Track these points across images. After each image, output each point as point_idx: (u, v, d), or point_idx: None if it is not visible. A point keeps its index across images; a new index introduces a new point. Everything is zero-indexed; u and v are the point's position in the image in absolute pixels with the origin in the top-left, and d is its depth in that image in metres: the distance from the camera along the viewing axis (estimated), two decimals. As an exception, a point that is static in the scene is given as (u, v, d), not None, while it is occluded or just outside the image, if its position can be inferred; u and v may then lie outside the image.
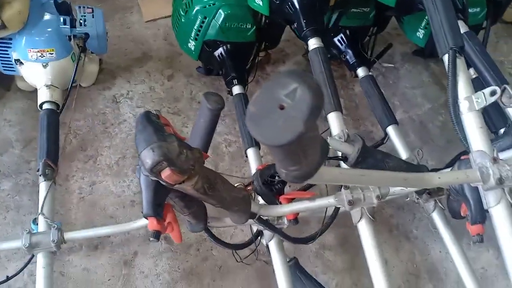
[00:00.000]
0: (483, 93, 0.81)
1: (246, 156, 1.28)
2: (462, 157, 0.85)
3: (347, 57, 1.47)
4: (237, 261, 1.17)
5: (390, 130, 1.31)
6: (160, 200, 0.76)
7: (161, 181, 0.68)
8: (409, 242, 1.32)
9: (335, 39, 1.49)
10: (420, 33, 1.49)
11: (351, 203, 0.94)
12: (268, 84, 0.41)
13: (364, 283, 1.24)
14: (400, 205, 1.36)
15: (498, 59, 1.72)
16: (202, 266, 1.26)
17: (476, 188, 0.81)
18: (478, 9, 1.43)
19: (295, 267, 1.19)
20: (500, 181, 0.74)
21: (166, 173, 0.65)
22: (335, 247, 1.29)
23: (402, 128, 1.50)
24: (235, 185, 1.04)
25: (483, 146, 0.80)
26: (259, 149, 1.27)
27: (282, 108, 0.39)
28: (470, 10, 1.39)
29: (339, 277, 1.25)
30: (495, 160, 0.75)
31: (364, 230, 0.99)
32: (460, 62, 0.86)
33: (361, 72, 1.43)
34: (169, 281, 1.23)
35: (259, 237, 1.18)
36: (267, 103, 0.39)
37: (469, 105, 0.83)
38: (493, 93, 0.80)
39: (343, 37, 1.47)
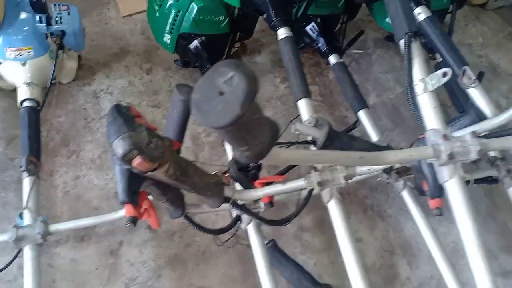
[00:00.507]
0: (437, 74, 0.86)
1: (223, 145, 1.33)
2: (420, 136, 0.91)
3: (319, 45, 1.51)
4: (218, 245, 1.22)
5: (361, 114, 1.36)
6: (134, 187, 0.81)
7: (133, 169, 0.73)
8: (383, 220, 1.38)
9: (307, 28, 1.53)
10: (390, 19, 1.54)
11: (321, 184, 1.00)
12: (209, 73, 0.45)
13: (341, 262, 1.29)
14: (374, 186, 1.42)
15: (467, 41, 1.78)
16: (185, 252, 1.31)
17: (432, 164, 0.86)
18: (443, -5, 1.48)
19: (273, 249, 1.25)
20: (451, 157, 0.79)
21: (137, 161, 0.70)
22: (313, 229, 1.35)
23: (375, 112, 1.56)
24: (213, 172, 1.09)
25: (437, 124, 0.86)
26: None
27: (221, 93, 0.43)
28: (435, -4, 1.45)
29: (317, 257, 1.31)
30: (446, 137, 0.80)
31: (334, 209, 1.04)
32: (415, 46, 0.91)
33: (332, 59, 1.47)
34: (154, 268, 1.28)
35: (238, 222, 1.24)
36: (208, 90, 0.44)
37: (424, 86, 0.88)
38: (444, 74, 0.85)
39: (314, 25, 1.52)
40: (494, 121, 0.96)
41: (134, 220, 0.83)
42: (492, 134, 0.91)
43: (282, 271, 1.23)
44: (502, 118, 0.95)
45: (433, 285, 1.27)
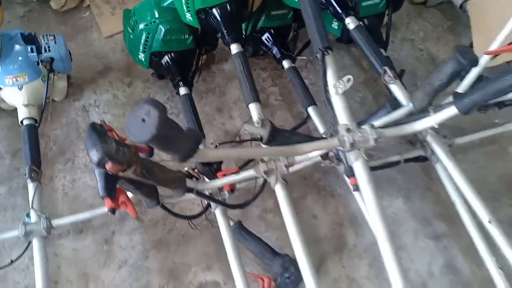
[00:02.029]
0: (343, 81, 1.10)
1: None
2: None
3: (274, 52, 1.74)
4: (192, 228, 1.46)
5: (310, 110, 1.58)
6: (111, 185, 1.05)
7: (108, 172, 0.97)
8: (334, 199, 1.60)
9: (263, 38, 1.75)
10: (335, 25, 1.76)
11: (266, 172, 1.23)
12: (136, 108, 0.69)
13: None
14: (326, 170, 1.64)
15: (409, 37, 2.00)
16: (168, 236, 1.54)
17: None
18: (378, 0, 1.70)
19: (239, 229, 1.49)
20: (353, 145, 1.03)
21: (108, 166, 0.93)
22: (274, 210, 1.57)
23: (326, 107, 1.78)
24: (185, 169, 1.33)
25: (346, 120, 1.09)
26: (204, 138, 1.55)
27: (143, 121, 0.67)
28: (370, 1, 1.68)
29: (278, 233, 1.54)
30: (349, 130, 1.04)
31: (279, 192, 1.26)
32: (328, 58, 1.14)
33: (285, 64, 1.70)
34: (142, 251, 1.51)
35: (209, 208, 1.47)
36: (135, 118, 0.68)
37: (336, 90, 1.11)
38: (348, 80, 1.08)
39: (268, 36, 1.74)
40: (397, 113, 1.19)
41: (113, 211, 1.07)
42: (390, 124, 1.14)
43: (248, 246, 1.47)
44: (402, 111, 1.18)
45: (376, 249, 1.50)
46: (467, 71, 1.30)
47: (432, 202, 1.58)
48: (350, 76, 1.08)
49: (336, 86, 1.11)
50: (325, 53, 1.14)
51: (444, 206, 1.54)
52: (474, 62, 0.99)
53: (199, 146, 1.55)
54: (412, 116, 1.14)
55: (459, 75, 1.02)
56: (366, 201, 1.05)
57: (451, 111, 1.01)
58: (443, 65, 1.02)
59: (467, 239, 1.34)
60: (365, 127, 1.05)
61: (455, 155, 1.63)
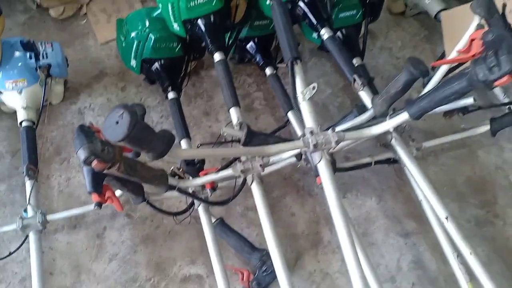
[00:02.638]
0: (309, 88, 1.20)
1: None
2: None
3: (257, 60, 1.85)
4: (176, 224, 1.57)
5: (290, 114, 1.69)
6: (97, 181, 1.16)
7: (95, 169, 1.08)
8: (312, 198, 1.71)
9: (247, 46, 1.87)
10: (315, 35, 1.87)
11: (243, 171, 1.33)
12: (111, 111, 0.80)
13: (279, 232, 1.62)
14: (306, 171, 1.74)
15: (388, 46, 2.11)
16: (155, 232, 1.65)
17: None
18: (354, 11, 1.80)
19: (221, 225, 1.60)
20: (316, 146, 1.13)
21: (94, 163, 1.02)
22: (256, 208, 1.65)
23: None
24: (171, 168, 1.44)
25: (311, 123, 1.20)
26: (189, 140, 1.65)
27: (117, 123, 0.78)
28: (347, 13, 1.79)
29: (259, 229, 1.61)
30: (312, 132, 1.15)
31: (255, 190, 1.36)
32: (297, 68, 1.25)
33: (268, 71, 1.81)
34: (131, 245, 1.62)
35: (193, 206, 1.58)
36: (110, 120, 0.79)
37: (302, 97, 1.22)
38: (314, 88, 1.19)
39: (252, 44, 1.86)
40: (361, 118, 1.30)
41: (99, 205, 1.18)
42: (352, 128, 1.25)
43: (229, 241, 1.58)
44: (365, 116, 1.29)
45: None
46: (429, 79, 1.40)
47: (403, 202, 1.69)
48: (315, 84, 1.19)
49: (303, 93, 1.21)
50: (294, 62, 1.24)
51: (414, 205, 1.65)
52: (425, 73, 1.09)
53: (184, 147, 1.66)
54: (374, 121, 1.25)
55: (413, 84, 1.13)
56: (328, 198, 1.15)
57: (404, 116, 1.11)
58: (398, 75, 1.13)
59: (434, 236, 1.44)
60: (328, 130, 1.16)
61: (426, 158, 1.76)
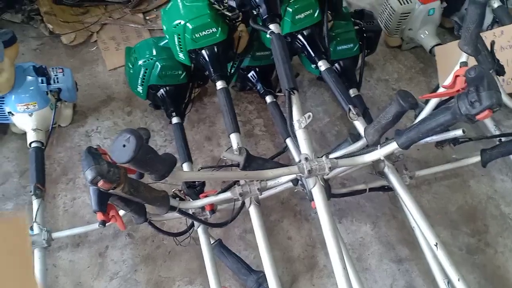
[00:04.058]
0: (305, 117, 1.28)
1: (182, 169, 1.74)
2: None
3: (258, 88, 1.94)
4: (176, 244, 1.62)
5: (288, 141, 1.75)
6: (103, 200, 1.22)
7: (100, 189, 1.14)
8: (308, 222, 1.76)
9: (249, 75, 1.96)
10: (314, 66, 1.96)
11: (241, 195, 1.40)
12: (119, 135, 0.88)
13: (275, 255, 1.68)
14: (303, 195, 1.79)
15: (384, 77, 2.19)
16: (156, 252, 1.70)
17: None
18: (351, 45, 1.89)
19: (219, 246, 1.64)
20: (310, 172, 1.20)
21: (101, 183, 1.09)
22: (253, 231, 1.73)
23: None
24: (172, 190, 1.51)
25: (307, 150, 1.27)
26: (192, 163, 1.72)
27: (124, 146, 0.85)
28: (344, 46, 1.88)
29: (256, 252, 1.66)
30: (307, 159, 1.21)
31: (253, 212, 1.43)
32: (294, 97, 1.32)
33: (268, 99, 1.89)
34: (132, 264, 1.67)
35: (193, 227, 1.63)
36: (118, 143, 0.86)
37: (298, 125, 1.29)
38: (309, 117, 1.26)
39: (254, 73, 1.95)
40: (354, 146, 1.37)
41: (103, 223, 1.24)
42: (345, 155, 1.32)
43: (226, 263, 1.62)
44: (359, 144, 1.36)
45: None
46: (421, 110, 1.47)
47: (397, 228, 1.74)
48: (310, 113, 1.26)
49: (299, 121, 1.28)
50: (291, 92, 1.32)
51: (407, 232, 1.70)
52: (414, 105, 1.16)
53: (186, 169, 1.72)
54: (366, 149, 1.31)
55: (402, 115, 1.20)
56: (322, 222, 1.20)
57: (393, 146, 1.18)
58: (389, 106, 1.20)
59: (426, 263, 1.49)
60: (322, 157, 1.22)
61: (419, 186, 1.82)
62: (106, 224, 1.27)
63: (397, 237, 1.72)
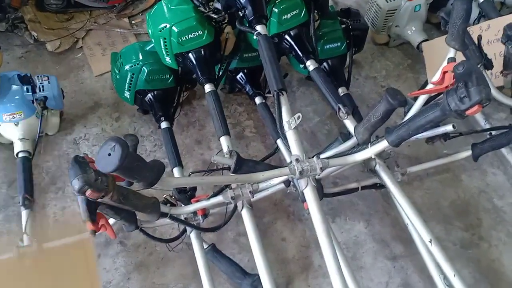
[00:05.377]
0: (294, 118, 1.27)
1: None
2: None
3: (247, 90, 1.93)
4: (169, 250, 1.60)
5: (279, 142, 1.74)
6: (92, 209, 1.20)
7: (88, 198, 1.12)
8: (302, 223, 1.75)
9: (237, 77, 1.95)
10: (302, 65, 1.95)
11: (233, 198, 1.38)
12: (104, 143, 0.86)
13: (270, 256, 1.66)
14: (295, 196, 1.78)
15: (372, 75, 2.19)
16: (148, 259, 1.67)
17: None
18: (338, 44, 1.89)
19: (213, 250, 1.63)
20: (301, 173, 1.19)
21: (88, 193, 1.07)
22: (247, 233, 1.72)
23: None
24: (163, 196, 1.49)
25: (297, 151, 1.25)
26: (182, 168, 1.71)
27: (109, 155, 0.84)
28: (332, 45, 1.87)
29: (250, 255, 1.64)
30: (298, 160, 1.20)
31: (245, 216, 1.41)
32: (283, 98, 1.31)
33: (257, 100, 1.88)
34: (124, 272, 1.64)
35: (185, 232, 1.61)
36: (103, 152, 0.85)
37: (288, 126, 1.28)
38: (298, 117, 1.25)
39: (242, 75, 1.94)
40: (345, 145, 1.36)
41: (93, 232, 1.22)
42: (336, 155, 1.31)
43: (220, 267, 1.61)
44: (349, 143, 1.35)
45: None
46: (410, 107, 1.47)
47: (390, 225, 1.73)
48: (300, 114, 1.25)
49: (289, 122, 1.27)
50: (280, 94, 1.31)
51: (401, 229, 1.69)
52: (402, 103, 1.15)
53: (176, 175, 1.70)
54: (357, 148, 1.31)
55: (391, 113, 1.19)
56: (314, 223, 1.20)
57: (383, 144, 1.17)
58: (378, 104, 1.19)
59: (421, 259, 1.49)
60: (313, 157, 1.21)
61: (411, 182, 1.82)
62: (96, 233, 1.24)
63: (391, 234, 1.71)
